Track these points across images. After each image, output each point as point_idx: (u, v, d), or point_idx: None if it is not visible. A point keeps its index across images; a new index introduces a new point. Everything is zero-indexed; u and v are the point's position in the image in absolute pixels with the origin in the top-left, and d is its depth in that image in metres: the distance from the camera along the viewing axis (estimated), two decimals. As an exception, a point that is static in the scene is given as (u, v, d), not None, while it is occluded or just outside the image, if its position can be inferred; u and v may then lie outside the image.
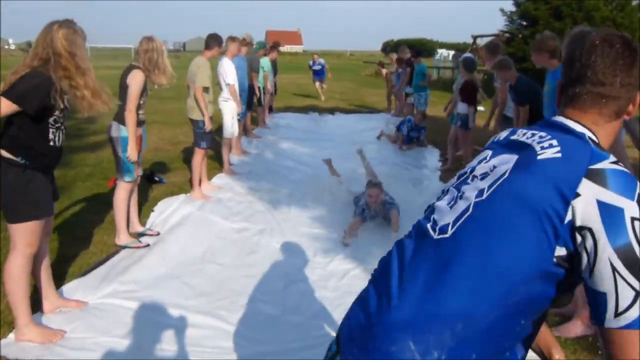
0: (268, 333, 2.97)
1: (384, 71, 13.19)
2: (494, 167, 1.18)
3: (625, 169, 1.05)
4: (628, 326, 0.96)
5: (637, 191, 1.01)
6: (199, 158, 5.48)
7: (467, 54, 8.82)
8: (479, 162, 1.25)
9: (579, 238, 1.00)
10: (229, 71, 6.27)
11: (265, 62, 9.58)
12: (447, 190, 1.27)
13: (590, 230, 0.98)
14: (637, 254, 0.96)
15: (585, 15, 14.20)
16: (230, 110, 6.36)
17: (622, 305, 0.96)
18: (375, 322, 1.11)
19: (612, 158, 1.07)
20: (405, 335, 1.05)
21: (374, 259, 4.00)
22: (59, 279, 3.36)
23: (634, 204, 0.99)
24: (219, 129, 6.77)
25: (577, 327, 2.94)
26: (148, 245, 4.16)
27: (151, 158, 6.87)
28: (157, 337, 2.87)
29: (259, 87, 8.99)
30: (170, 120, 10.00)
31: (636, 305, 0.95)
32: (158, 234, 4.43)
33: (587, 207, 0.99)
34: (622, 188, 1.00)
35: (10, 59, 21.47)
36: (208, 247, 4.20)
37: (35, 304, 2.98)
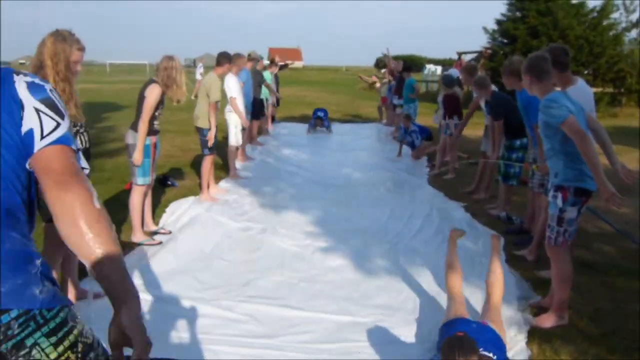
0: (269, 323, 2.99)
1: (373, 81, 13.72)
2: None
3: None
4: (54, 142, 1.12)
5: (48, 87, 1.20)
6: (207, 164, 5.50)
7: (449, 71, 9.12)
8: None
9: None
10: (232, 85, 6.30)
11: (267, 74, 9.70)
12: None
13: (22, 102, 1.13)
14: (56, 102, 1.17)
15: (560, 33, 14.26)
16: (234, 120, 6.39)
17: (47, 130, 1.13)
18: None
19: None
20: None
21: (369, 256, 4.04)
22: (82, 273, 3.37)
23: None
24: (226, 138, 6.80)
25: (552, 318, 2.98)
26: (161, 242, 4.19)
27: (164, 164, 6.89)
28: (170, 325, 2.89)
29: (261, 99, 9.06)
30: (182, 130, 10.04)
31: (59, 129, 1.14)
32: (170, 232, 4.45)
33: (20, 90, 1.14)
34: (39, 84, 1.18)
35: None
36: (216, 244, 4.22)
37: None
